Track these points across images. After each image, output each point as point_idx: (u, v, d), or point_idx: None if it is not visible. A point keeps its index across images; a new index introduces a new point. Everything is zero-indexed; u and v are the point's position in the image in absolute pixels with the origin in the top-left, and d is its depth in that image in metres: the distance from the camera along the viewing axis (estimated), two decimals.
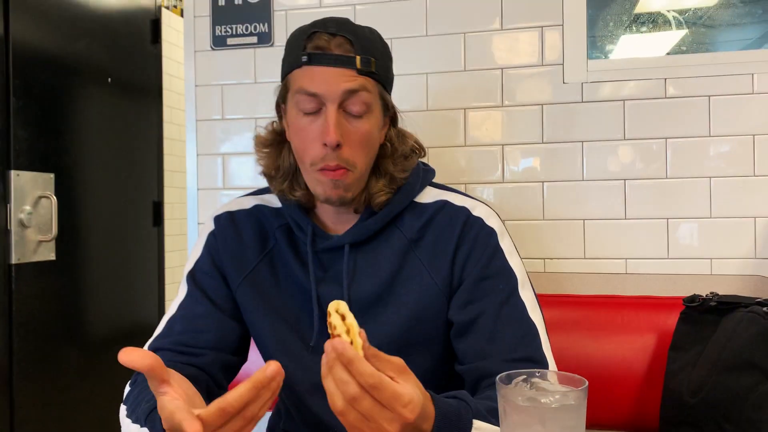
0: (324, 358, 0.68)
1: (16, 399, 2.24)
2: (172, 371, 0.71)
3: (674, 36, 1.80)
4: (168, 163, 3.33)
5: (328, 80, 0.95)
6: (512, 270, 1.01)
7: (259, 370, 0.68)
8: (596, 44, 1.80)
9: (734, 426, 1.15)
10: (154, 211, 3.12)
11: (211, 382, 1.02)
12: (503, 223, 1.07)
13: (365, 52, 0.97)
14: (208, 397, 1.01)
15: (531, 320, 0.98)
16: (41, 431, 2.33)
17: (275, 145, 1.06)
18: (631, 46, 1.83)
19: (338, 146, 0.95)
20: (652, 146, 1.63)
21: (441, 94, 1.75)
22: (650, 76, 1.63)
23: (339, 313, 0.69)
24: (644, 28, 1.81)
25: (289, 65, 1.00)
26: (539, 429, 0.64)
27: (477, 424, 0.78)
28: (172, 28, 3.52)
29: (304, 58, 0.96)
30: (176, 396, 0.68)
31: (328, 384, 0.68)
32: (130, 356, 0.65)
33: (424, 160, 1.73)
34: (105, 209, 2.76)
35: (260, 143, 1.07)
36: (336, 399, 0.67)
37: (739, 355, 1.17)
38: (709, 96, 1.60)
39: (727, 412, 1.16)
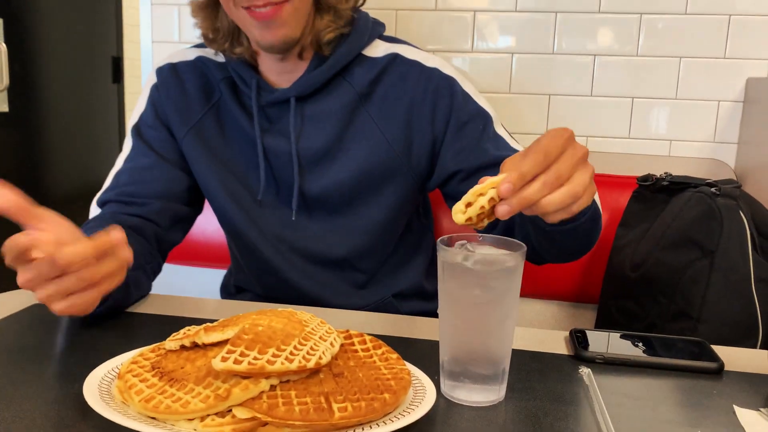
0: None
1: None
2: (46, 212, 0.67)
3: None
4: (128, 16, 3.16)
5: None
6: (484, 109, 1.02)
7: (103, 232, 0.66)
8: None
9: (668, 299, 1.20)
10: (113, 66, 3.00)
11: (160, 231, 1.02)
12: (457, 69, 1.06)
13: None
14: (158, 244, 1.02)
15: (516, 150, 1.00)
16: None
17: (211, 7, 1.01)
18: None
19: None
20: (626, 22, 1.59)
21: None
22: None
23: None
24: None
25: None
26: (477, 291, 0.65)
27: None
28: None
29: None
30: (35, 235, 0.65)
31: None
32: None
33: (391, 23, 1.67)
34: (61, 62, 2.63)
35: (196, 7, 1.02)
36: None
37: (682, 233, 1.20)
38: None
39: (663, 286, 1.21)
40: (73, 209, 2.72)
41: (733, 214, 1.16)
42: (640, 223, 1.33)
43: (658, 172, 1.38)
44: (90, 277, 0.66)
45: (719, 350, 0.81)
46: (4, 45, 2.24)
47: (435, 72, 1.02)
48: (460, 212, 0.67)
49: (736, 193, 1.19)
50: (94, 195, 1.07)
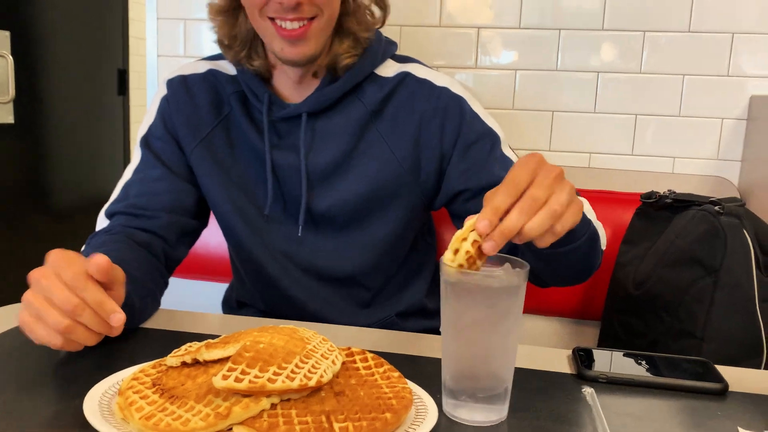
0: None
1: None
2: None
3: None
4: (134, 29, 3.18)
5: None
6: (492, 129, 1.03)
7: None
8: None
9: (672, 317, 1.20)
10: (118, 79, 3.02)
11: (167, 247, 1.02)
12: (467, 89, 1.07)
13: None
14: (166, 261, 1.02)
15: None
16: (3, 290, 2.36)
17: (230, 12, 1.01)
18: None
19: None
20: (629, 39, 1.59)
21: None
22: None
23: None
24: None
25: None
26: (479, 309, 0.65)
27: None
28: None
29: None
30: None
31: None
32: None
33: (396, 38, 1.68)
34: (67, 74, 2.65)
35: (214, 11, 1.02)
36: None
37: (685, 251, 1.20)
38: None
39: (666, 303, 1.21)
40: (77, 220, 2.73)
41: (736, 232, 1.16)
42: (644, 241, 1.33)
43: (661, 189, 1.38)
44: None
45: (724, 370, 0.80)
46: (10, 57, 2.25)
47: (444, 91, 1.02)
48: (448, 260, 0.65)
49: (739, 212, 1.19)
50: (98, 206, 1.07)
